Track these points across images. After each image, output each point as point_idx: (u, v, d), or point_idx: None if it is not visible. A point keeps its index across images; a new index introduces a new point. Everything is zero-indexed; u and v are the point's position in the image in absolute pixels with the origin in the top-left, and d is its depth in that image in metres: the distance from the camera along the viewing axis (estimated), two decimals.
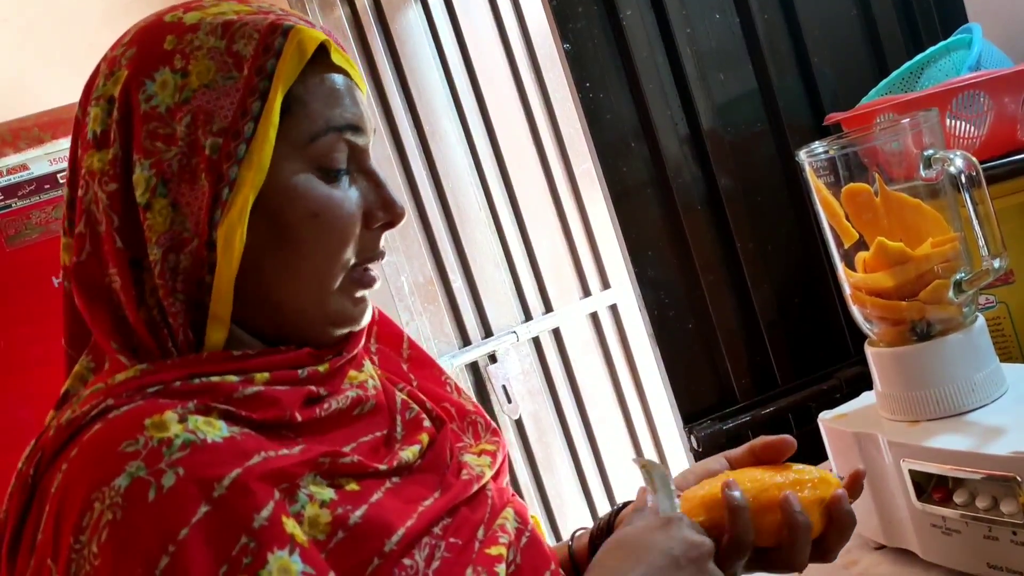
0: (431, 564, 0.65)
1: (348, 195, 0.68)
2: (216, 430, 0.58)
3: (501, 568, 0.69)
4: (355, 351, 0.73)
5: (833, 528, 0.74)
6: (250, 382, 0.64)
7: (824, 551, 0.75)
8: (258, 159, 0.64)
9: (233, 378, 0.63)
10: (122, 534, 0.54)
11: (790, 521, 0.71)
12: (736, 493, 0.72)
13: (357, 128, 0.69)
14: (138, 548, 0.53)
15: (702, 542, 0.69)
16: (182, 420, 0.58)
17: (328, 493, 0.62)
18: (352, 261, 0.69)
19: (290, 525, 0.58)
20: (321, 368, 0.69)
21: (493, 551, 0.70)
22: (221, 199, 0.63)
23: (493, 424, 0.85)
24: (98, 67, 0.69)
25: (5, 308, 1.89)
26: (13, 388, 1.89)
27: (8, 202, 2.03)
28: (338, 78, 0.69)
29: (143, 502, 0.54)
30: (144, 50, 0.65)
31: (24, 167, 1.94)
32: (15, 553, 0.60)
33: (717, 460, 0.81)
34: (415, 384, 0.83)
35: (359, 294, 0.71)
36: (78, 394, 0.65)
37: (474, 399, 0.88)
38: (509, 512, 0.76)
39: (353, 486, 0.65)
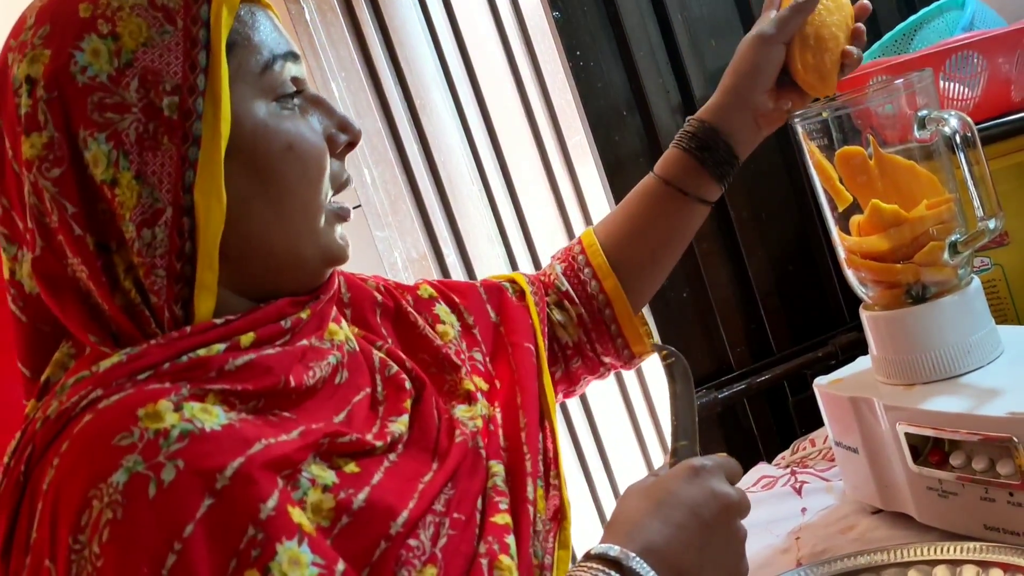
0: (437, 542, 0.65)
1: (310, 123, 0.68)
2: (213, 417, 0.57)
3: (511, 539, 0.68)
4: (331, 291, 0.73)
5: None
6: (237, 348, 0.62)
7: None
8: (220, 110, 0.62)
9: (219, 347, 0.61)
10: (125, 533, 0.52)
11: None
12: None
13: (296, 55, 0.68)
14: (143, 547, 0.52)
15: (729, 494, 0.67)
16: (177, 408, 0.56)
17: (330, 476, 0.62)
18: (330, 192, 0.69)
19: (296, 514, 0.57)
20: (303, 315, 0.68)
21: (499, 519, 0.70)
22: (190, 160, 0.61)
23: (453, 359, 0.83)
24: (2, 61, 0.64)
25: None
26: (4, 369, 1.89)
27: None
28: (264, 11, 0.68)
29: (144, 499, 0.52)
30: (59, 24, 0.62)
31: None
32: (8, 551, 0.58)
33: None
34: (390, 342, 0.82)
35: (340, 228, 0.71)
36: (61, 383, 0.63)
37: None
38: (499, 468, 0.75)
39: (352, 467, 0.64)
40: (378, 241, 2.43)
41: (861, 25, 0.93)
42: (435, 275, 2.49)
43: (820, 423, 1.01)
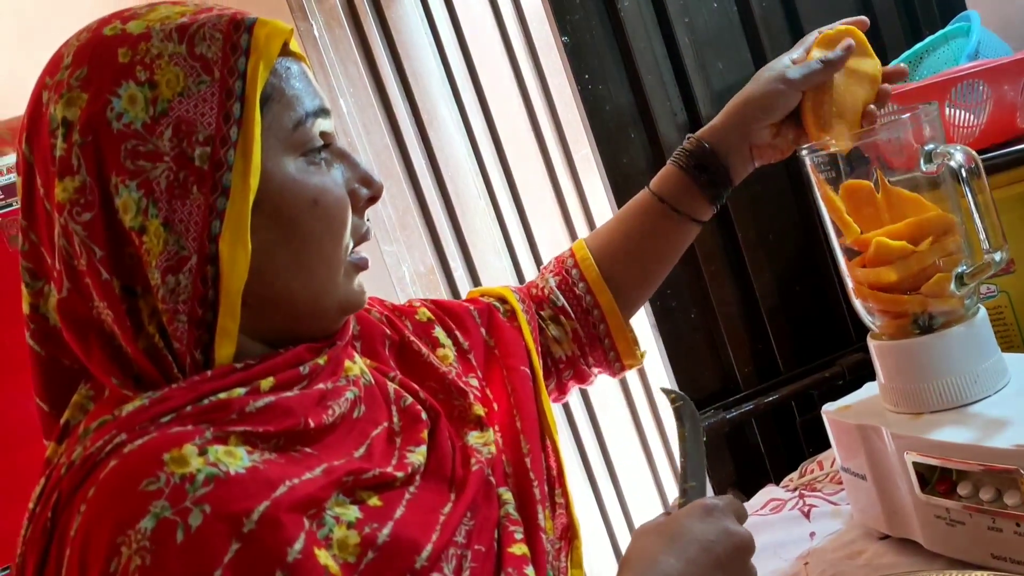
0: (460, 575, 0.65)
1: (334, 177, 0.69)
2: (237, 460, 0.58)
3: (531, 570, 0.69)
4: (347, 337, 0.74)
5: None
6: (257, 392, 0.63)
7: None
8: (250, 162, 0.62)
9: (240, 391, 0.62)
10: None
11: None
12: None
13: (327, 112, 0.69)
14: None
15: (741, 533, 0.69)
16: (202, 452, 0.56)
17: (353, 512, 0.62)
18: (351, 245, 0.70)
19: (323, 557, 0.57)
20: (321, 361, 0.69)
21: (516, 550, 0.71)
22: (218, 210, 0.62)
23: (459, 384, 0.84)
24: (37, 96, 0.65)
25: (8, 308, 1.89)
26: (18, 385, 1.90)
27: (9, 201, 2.03)
28: (299, 65, 0.69)
29: (172, 544, 0.53)
30: (97, 67, 0.62)
31: None
32: None
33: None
34: (399, 374, 0.83)
35: (357, 278, 0.72)
36: (82, 426, 0.63)
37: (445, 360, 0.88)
38: (508, 496, 0.76)
39: (375, 501, 0.65)
40: (386, 256, 2.45)
41: (887, 87, 0.94)
42: (443, 289, 2.50)
43: (827, 444, 1.02)
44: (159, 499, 0.54)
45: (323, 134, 0.69)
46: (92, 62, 0.63)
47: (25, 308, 0.68)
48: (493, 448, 0.79)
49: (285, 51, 0.68)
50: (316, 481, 0.61)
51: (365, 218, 0.72)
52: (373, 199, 0.72)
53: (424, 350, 0.86)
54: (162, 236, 0.61)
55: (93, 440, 0.59)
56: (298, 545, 0.56)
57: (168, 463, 0.55)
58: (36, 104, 0.65)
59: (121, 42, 0.63)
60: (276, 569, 0.55)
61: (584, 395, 2.55)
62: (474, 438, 0.79)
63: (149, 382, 0.63)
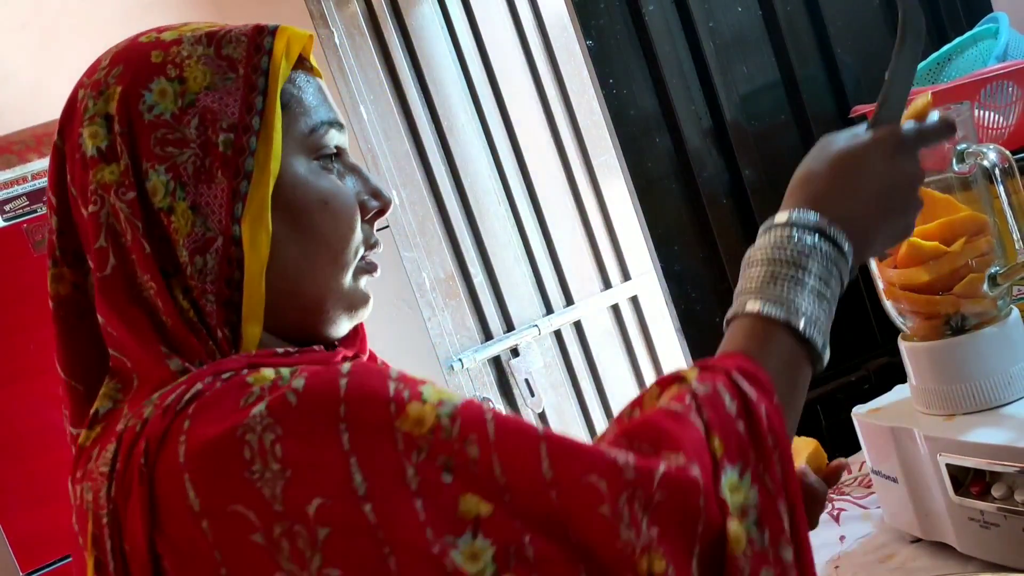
0: None
1: (346, 184, 0.72)
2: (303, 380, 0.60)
3: None
4: (367, 352, 0.77)
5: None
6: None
7: None
8: (271, 149, 0.66)
9: (286, 371, 0.63)
10: (295, 438, 0.55)
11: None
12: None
13: (341, 125, 0.72)
14: (317, 437, 0.55)
15: (920, 174, 0.73)
16: (276, 373, 0.60)
17: None
18: (361, 250, 0.72)
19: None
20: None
21: None
22: (240, 193, 0.65)
23: None
24: (74, 95, 0.69)
25: (33, 312, 1.91)
26: (38, 390, 1.91)
27: (34, 207, 2.05)
28: (316, 81, 0.73)
29: (291, 409, 0.56)
30: (132, 66, 0.67)
31: None
32: (156, 531, 0.57)
33: None
34: None
35: (364, 281, 0.74)
36: (126, 408, 0.64)
37: None
38: None
39: None
40: (406, 261, 2.45)
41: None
42: (462, 295, 2.51)
43: (854, 448, 1.02)
44: (260, 402, 0.57)
45: (336, 146, 0.72)
46: (127, 62, 0.68)
47: (56, 289, 0.70)
48: None
49: (305, 67, 0.73)
50: None
51: (375, 228, 0.75)
52: (382, 212, 0.74)
53: None
54: (189, 218, 0.65)
55: (163, 398, 0.60)
56: (394, 373, 0.59)
57: (254, 382, 0.59)
58: (72, 101, 0.70)
59: (155, 47, 0.68)
60: (387, 379, 0.58)
61: (603, 399, 2.55)
62: None
63: (189, 353, 0.65)
